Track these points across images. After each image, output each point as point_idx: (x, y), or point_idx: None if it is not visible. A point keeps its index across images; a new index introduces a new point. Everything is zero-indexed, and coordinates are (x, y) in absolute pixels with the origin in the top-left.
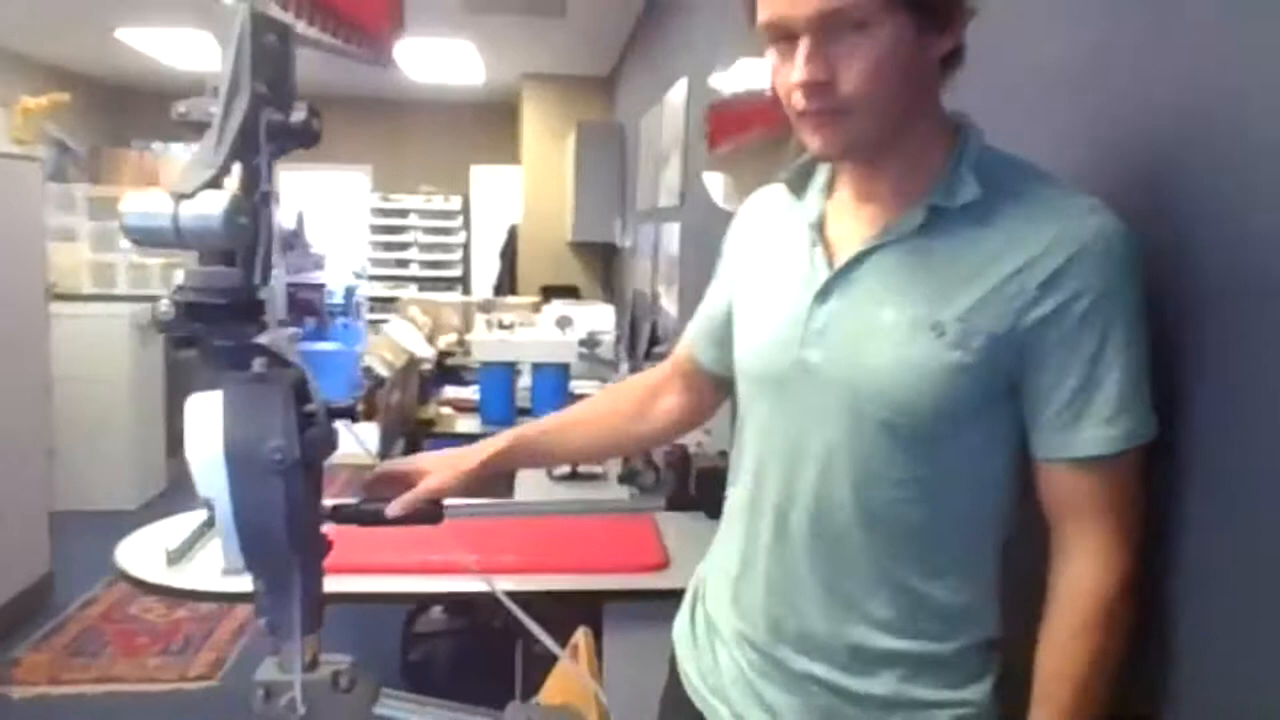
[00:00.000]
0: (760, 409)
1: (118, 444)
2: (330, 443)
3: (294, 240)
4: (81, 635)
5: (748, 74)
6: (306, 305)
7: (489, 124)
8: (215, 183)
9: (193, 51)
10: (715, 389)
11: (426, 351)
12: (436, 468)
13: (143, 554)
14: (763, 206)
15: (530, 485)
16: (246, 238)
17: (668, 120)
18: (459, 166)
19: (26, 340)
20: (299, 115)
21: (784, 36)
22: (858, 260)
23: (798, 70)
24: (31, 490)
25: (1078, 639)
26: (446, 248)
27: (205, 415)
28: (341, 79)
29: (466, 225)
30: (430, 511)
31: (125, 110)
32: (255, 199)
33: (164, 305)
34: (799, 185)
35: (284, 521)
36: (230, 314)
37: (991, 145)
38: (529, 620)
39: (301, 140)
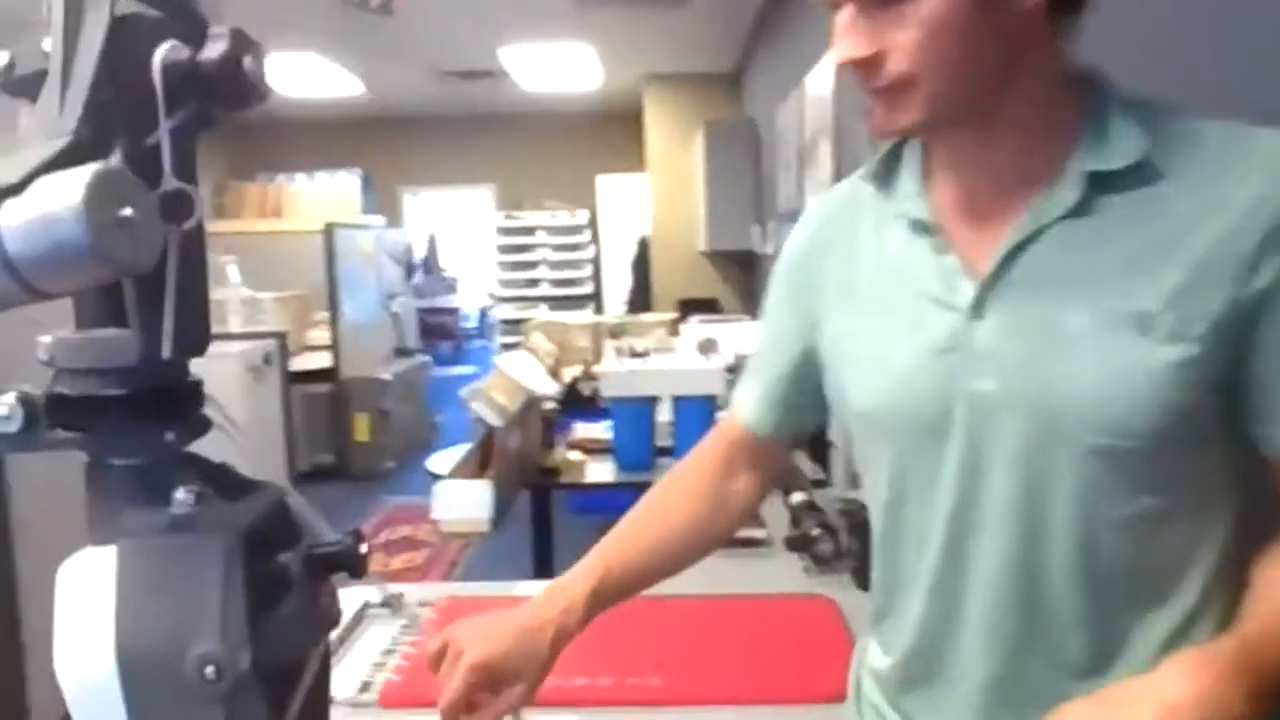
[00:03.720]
0: (900, 464)
1: None
2: (328, 618)
3: (428, 264)
4: None
5: None
6: (441, 330)
7: (611, 131)
8: (66, 165)
9: None
10: (786, 451)
11: (549, 387)
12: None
13: None
14: (835, 217)
15: None
16: (136, 254)
17: (810, 107)
18: (583, 178)
19: None
20: (214, 49)
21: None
22: (1010, 258)
23: (838, 47)
24: None
25: None
26: (576, 264)
27: (87, 595)
28: (454, 96)
29: (595, 239)
30: None
31: None
32: (154, 199)
33: (6, 402)
34: (885, 180)
35: None
36: (127, 411)
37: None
38: None
39: (230, 96)
